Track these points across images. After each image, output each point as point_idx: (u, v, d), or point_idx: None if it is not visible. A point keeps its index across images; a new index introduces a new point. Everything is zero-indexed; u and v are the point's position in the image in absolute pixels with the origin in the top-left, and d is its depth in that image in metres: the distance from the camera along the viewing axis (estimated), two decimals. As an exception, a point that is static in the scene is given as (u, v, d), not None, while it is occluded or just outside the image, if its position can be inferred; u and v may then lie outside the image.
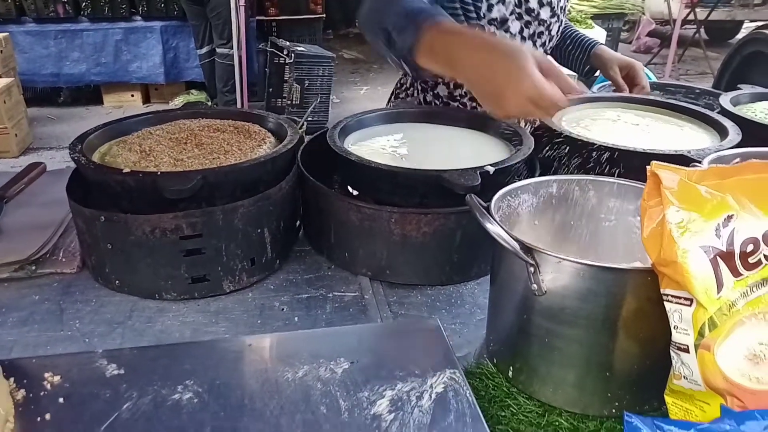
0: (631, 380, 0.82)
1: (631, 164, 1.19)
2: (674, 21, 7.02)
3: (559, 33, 1.60)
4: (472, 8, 1.39)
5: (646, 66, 5.72)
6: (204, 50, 5.38)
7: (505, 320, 0.93)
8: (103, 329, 1.03)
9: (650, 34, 8.26)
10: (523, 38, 1.47)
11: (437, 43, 1.01)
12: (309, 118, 4.90)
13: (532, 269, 0.81)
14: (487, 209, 0.88)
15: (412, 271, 1.15)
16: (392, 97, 1.77)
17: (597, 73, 1.87)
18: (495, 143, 1.33)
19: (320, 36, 6.42)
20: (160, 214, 1.02)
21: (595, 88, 2.00)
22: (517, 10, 1.44)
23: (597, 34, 5.59)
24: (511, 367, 0.90)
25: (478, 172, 1.08)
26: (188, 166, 1.11)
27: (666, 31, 8.10)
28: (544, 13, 1.48)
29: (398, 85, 1.76)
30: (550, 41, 1.56)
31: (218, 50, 5.13)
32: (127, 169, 1.04)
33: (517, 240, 0.81)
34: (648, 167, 0.71)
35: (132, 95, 5.88)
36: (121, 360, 0.77)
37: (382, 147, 1.29)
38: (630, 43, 8.37)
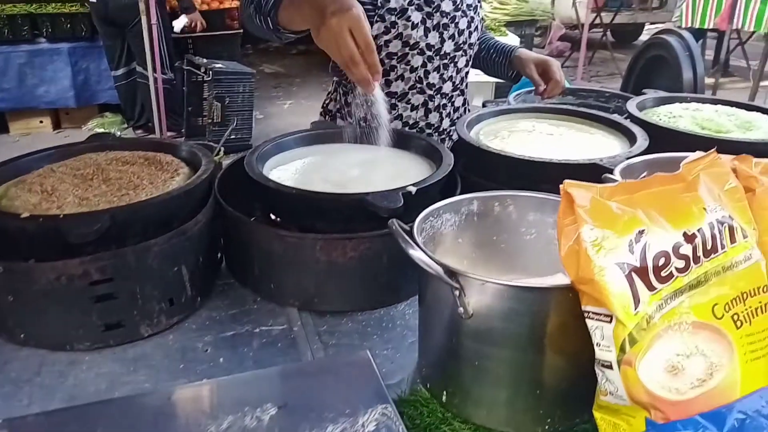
0: (561, 396, 0.83)
1: (548, 175, 1.21)
2: (582, 25, 7.36)
3: (473, 32, 1.62)
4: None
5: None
6: (120, 71, 5.17)
7: (436, 343, 0.92)
8: (8, 389, 0.95)
9: (561, 39, 8.63)
10: (427, 29, 1.52)
11: (289, 3, 1.19)
12: (232, 136, 4.82)
13: (457, 292, 0.80)
14: (410, 232, 0.87)
15: (341, 297, 1.13)
16: (322, 110, 1.75)
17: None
18: (416, 161, 1.32)
19: (239, 52, 6.30)
20: (66, 260, 0.95)
21: (510, 97, 2.05)
22: (416, 1, 1.50)
23: (511, 40, 5.76)
24: (445, 392, 0.89)
25: (400, 194, 1.07)
26: (95, 205, 1.04)
27: (576, 35, 8.48)
28: (446, 6, 1.53)
29: (327, 96, 1.76)
30: (460, 35, 1.58)
31: (145, 73, 4.94)
32: (25, 214, 0.97)
33: (440, 264, 0.80)
34: (561, 186, 0.71)
35: (41, 121, 5.55)
36: (23, 428, 0.70)
37: (301, 171, 1.26)
38: (543, 47, 8.71)
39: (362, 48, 1.07)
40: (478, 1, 1.67)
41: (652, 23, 9.23)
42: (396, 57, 1.53)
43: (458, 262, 1.01)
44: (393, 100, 1.58)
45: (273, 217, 1.23)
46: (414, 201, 1.08)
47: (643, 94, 1.74)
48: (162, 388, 0.89)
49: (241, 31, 6.24)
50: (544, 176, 1.22)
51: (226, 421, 0.71)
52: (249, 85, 5.02)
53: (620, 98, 1.99)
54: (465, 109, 1.74)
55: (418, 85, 1.58)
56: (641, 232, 0.67)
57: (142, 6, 4.58)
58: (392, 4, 1.48)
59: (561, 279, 0.77)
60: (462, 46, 1.60)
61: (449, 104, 1.66)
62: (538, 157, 1.24)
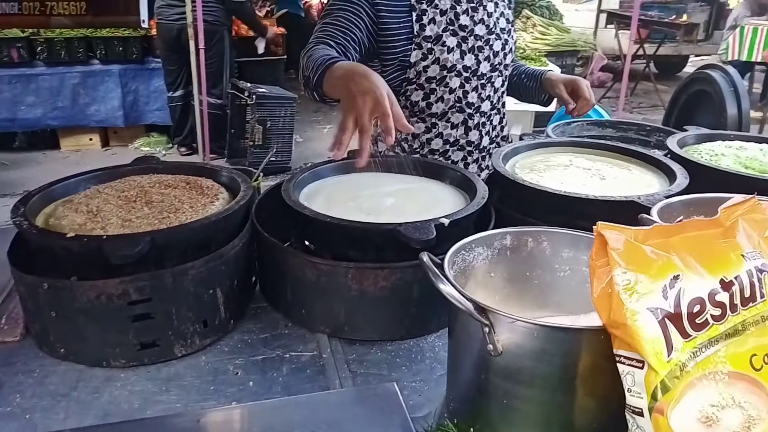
0: (591, 439, 0.81)
1: (584, 211, 1.21)
2: (625, 56, 7.29)
3: (507, 54, 1.72)
4: (404, 32, 1.55)
5: (599, 100, 5.89)
6: (178, 93, 5.35)
7: (464, 379, 0.91)
8: (46, 403, 0.98)
9: (603, 69, 8.56)
10: (463, 52, 1.61)
11: (330, 78, 1.29)
12: (272, 158, 4.90)
13: (487, 329, 0.80)
14: (441, 267, 0.88)
15: (371, 326, 1.13)
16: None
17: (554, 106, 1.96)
18: (449, 191, 1.33)
19: (282, 76, 6.44)
20: (106, 279, 0.99)
21: (549, 128, 2.04)
22: (450, 27, 1.59)
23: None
24: (472, 429, 0.88)
25: (433, 225, 1.08)
26: (137, 227, 1.08)
27: (618, 66, 8.40)
28: (479, 30, 1.63)
29: None
30: (495, 57, 1.68)
31: (209, 100, 5.10)
32: (71, 234, 1.01)
33: (471, 300, 0.80)
34: (594, 227, 0.71)
35: (90, 139, 5.77)
36: (60, 444, 0.72)
37: (336, 199, 1.28)
38: (584, 78, 8.67)
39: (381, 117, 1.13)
40: (511, 25, 1.76)
41: (697, 55, 9.10)
42: (435, 80, 1.62)
43: (490, 296, 1.00)
44: (434, 120, 1.67)
45: (307, 243, 1.25)
46: (447, 233, 1.09)
47: (685, 130, 1.71)
48: (192, 411, 0.90)
49: (285, 56, 6.39)
50: (580, 212, 1.21)
51: (253, 448, 0.72)
52: (291, 109, 5.12)
53: (662, 132, 1.97)
54: (502, 127, 1.82)
55: (458, 105, 1.67)
56: (676, 278, 0.66)
57: (190, 31, 4.76)
58: (427, 32, 1.57)
59: (595, 318, 0.75)
60: (498, 66, 1.70)
61: (488, 122, 1.74)
62: (574, 193, 1.23)
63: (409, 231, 1.05)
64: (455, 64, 1.61)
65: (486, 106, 1.70)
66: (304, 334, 1.16)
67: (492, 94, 1.72)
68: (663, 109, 5.26)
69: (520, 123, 5.80)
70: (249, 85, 5.12)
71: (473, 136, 1.71)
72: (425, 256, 0.88)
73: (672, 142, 1.53)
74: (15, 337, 1.11)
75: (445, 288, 0.81)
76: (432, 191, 1.34)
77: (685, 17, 8.58)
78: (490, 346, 0.80)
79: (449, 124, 1.68)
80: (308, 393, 1.00)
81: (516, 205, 1.30)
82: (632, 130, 2.04)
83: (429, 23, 1.57)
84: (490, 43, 1.66)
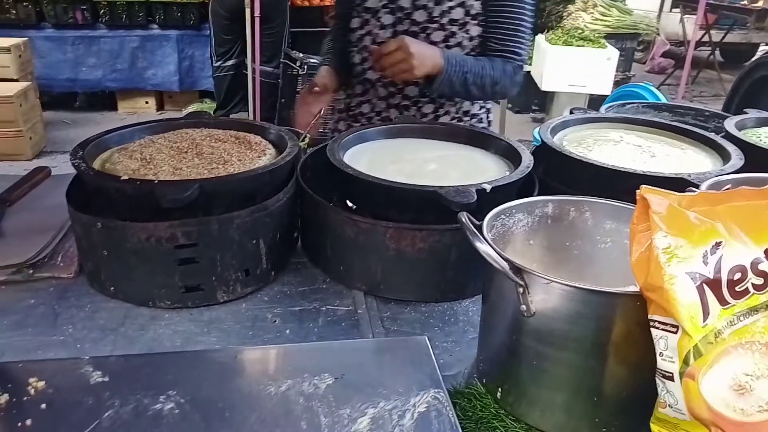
0: (620, 405, 0.81)
1: (630, 186, 1.18)
2: (689, 42, 7.00)
3: (452, 48, 1.55)
4: None
5: (659, 87, 5.69)
6: (229, 63, 5.35)
7: (495, 340, 0.92)
8: (96, 335, 1.03)
9: (664, 55, 8.25)
10: (396, 32, 1.58)
11: None
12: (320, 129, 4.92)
13: (521, 290, 0.80)
14: (479, 228, 0.88)
15: (407, 286, 1.15)
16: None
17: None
18: (494, 160, 1.32)
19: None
20: (156, 222, 1.03)
21: (603, 108, 1.99)
22: (390, 5, 1.58)
23: (609, 53, 5.58)
24: (500, 389, 0.89)
25: (474, 190, 1.08)
26: (187, 175, 1.11)
27: (681, 53, 8.07)
28: (419, 16, 1.57)
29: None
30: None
31: (262, 68, 5.11)
32: (125, 177, 1.05)
33: (507, 260, 0.81)
34: (637, 191, 0.70)
35: (146, 102, 5.94)
36: (107, 367, 0.77)
37: (379, 161, 1.29)
38: (644, 63, 8.36)
39: None
40: (474, 20, 1.57)
41: (767, 44, 8.65)
42: (369, 53, 1.60)
43: (527, 263, 1.00)
44: (367, 86, 1.67)
45: (349, 203, 1.27)
46: (488, 200, 1.08)
47: (745, 113, 1.64)
48: (229, 348, 0.94)
49: (338, 27, 6.38)
50: (626, 187, 1.18)
51: (285, 384, 0.75)
52: (340, 80, 5.13)
53: (721, 118, 1.89)
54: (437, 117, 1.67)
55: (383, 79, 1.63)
56: (718, 244, 0.65)
57: (247, 0, 4.79)
58: (368, 3, 1.60)
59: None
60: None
61: (413, 107, 1.64)
62: (621, 167, 1.21)
63: (449, 194, 1.06)
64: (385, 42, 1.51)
65: (414, 91, 1.61)
66: (341, 290, 1.19)
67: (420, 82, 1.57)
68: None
69: (574, 105, 5.66)
70: (301, 55, 5.15)
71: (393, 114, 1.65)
72: (464, 216, 0.88)
73: (730, 124, 1.48)
74: (70, 274, 1.18)
75: (482, 246, 0.81)
76: (475, 159, 1.33)
77: (760, 2, 8.12)
78: (524, 306, 0.80)
79: (378, 93, 1.65)
80: (342, 343, 1.03)
81: (562, 177, 1.29)
82: (690, 115, 1.97)
83: None
84: (428, 32, 1.56)
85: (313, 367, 0.77)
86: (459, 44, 1.58)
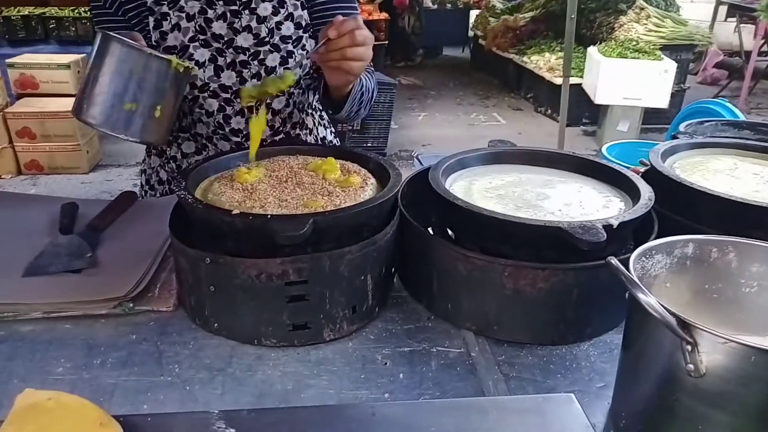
0: (800, 478, 0.73)
1: (763, 221, 1.10)
2: (747, 53, 6.78)
3: (294, 68, 1.36)
4: (147, 40, 1.29)
5: (714, 98, 5.50)
6: None
7: (643, 395, 0.84)
8: (203, 376, 0.99)
9: (717, 66, 8.02)
10: (219, 68, 1.36)
11: None
12: (369, 144, 4.92)
13: (689, 348, 0.73)
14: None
15: (523, 328, 1.08)
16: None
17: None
18: (607, 190, 1.25)
19: (383, 62, 6.45)
20: (268, 258, 0.99)
21: (682, 126, 1.88)
22: (201, 36, 1.35)
23: (666, 65, 5.43)
24: (652, 450, 0.81)
25: (601, 226, 1.00)
26: (294, 207, 1.07)
27: (735, 63, 7.84)
28: (243, 41, 1.36)
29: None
30: (268, 73, 1.38)
31: None
32: (236, 211, 1.01)
33: (673, 314, 0.73)
34: None
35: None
36: (240, 424, 0.72)
37: (485, 190, 1.23)
38: (696, 74, 8.13)
39: None
40: (305, 32, 1.40)
41: (828, 54, 8.33)
42: (188, 100, 1.39)
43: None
44: (199, 143, 1.48)
45: (449, 232, 1.21)
46: (610, 235, 1.01)
47: None
48: (364, 403, 0.89)
49: (387, 42, 6.39)
50: (758, 222, 1.10)
51: (437, 450, 0.68)
52: (390, 95, 5.11)
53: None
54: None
55: (220, 132, 1.46)
56: None
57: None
58: (170, 41, 1.34)
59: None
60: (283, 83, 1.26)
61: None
62: (752, 201, 1.12)
63: (576, 231, 0.99)
64: (208, 83, 1.36)
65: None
66: (448, 329, 1.12)
67: (270, 117, 1.41)
68: (790, 112, 4.84)
69: (628, 119, 5.52)
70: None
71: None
72: (614, 261, 0.81)
73: None
74: (168, 308, 1.14)
75: (645, 299, 0.74)
76: (585, 187, 1.26)
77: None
78: (691, 366, 0.73)
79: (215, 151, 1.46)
80: (460, 391, 0.96)
81: (679, 208, 1.20)
82: (772, 132, 1.86)
83: (172, 30, 1.34)
84: (260, 57, 1.37)
85: (454, 427, 0.71)
86: (299, 65, 1.40)
